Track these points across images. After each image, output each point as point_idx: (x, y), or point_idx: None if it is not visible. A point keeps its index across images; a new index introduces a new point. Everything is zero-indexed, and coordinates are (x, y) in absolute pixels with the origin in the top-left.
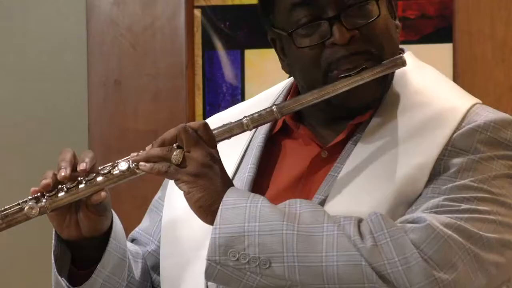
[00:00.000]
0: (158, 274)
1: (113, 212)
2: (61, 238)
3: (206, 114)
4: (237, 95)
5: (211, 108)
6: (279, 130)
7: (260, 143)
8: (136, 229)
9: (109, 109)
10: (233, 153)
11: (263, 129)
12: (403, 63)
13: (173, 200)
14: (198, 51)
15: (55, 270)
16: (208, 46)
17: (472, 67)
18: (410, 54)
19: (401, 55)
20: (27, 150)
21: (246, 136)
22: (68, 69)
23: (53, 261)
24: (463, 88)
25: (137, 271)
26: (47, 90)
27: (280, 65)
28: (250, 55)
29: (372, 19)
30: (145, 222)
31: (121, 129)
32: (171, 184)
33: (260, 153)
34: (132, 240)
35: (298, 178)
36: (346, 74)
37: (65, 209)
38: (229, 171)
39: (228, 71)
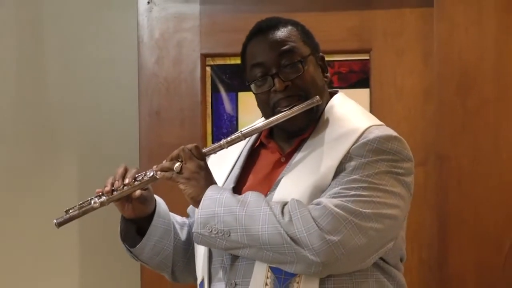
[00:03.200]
0: None
1: (158, 198)
2: (124, 218)
3: (213, 133)
4: (233, 121)
5: (217, 129)
6: (258, 144)
7: (246, 153)
8: (189, 207)
9: (152, 130)
10: (230, 159)
11: (249, 144)
12: (318, 101)
13: None
14: (208, 93)
15: (120, 238)
16: (215, 89)
17: (381, 104)
18: (341, 93)
19: (316, 96)
20: (101, 156)
21: (239, 149)
22: (126, 104)
23: (119, 232)
24: (376, 117)
25: (182, 235)
26: (114, 119)
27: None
28: (242, 96)
29: (298, 74)
30: None
31: (160, 143)
32: None
33: (244, 159)
34: (188, 215)
35: (266, 174)
36: (283, 110)
37: (123, 200)
38: (227, 170)
39: (227, 106)
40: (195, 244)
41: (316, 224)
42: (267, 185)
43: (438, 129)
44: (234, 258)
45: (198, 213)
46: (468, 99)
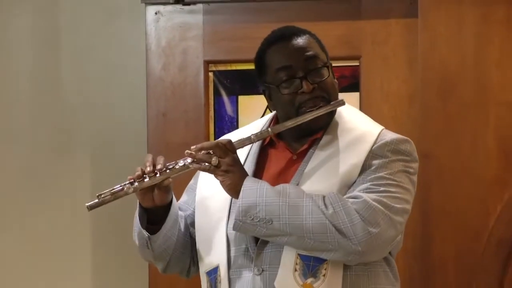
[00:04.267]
0: (194, 228)
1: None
2: (142, 207)
3: (216, 133)
4: (234, 122)
5: (219, 129)
6: (267, 143)
7: (256, 151)
8: (179, 201)
9: (159, 130)
10: (240, 155)
11: (257, 143)
12: (343, 103)
13: (203, 186)
14: (211, 96)
15: (139, 224)
16: (217, 93)
17: (370, 106)
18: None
19: (342, 99)
20: (112, 155)
21: (247, 148)
22: (136, 107)
23: (137, 220)
24: None
25: (181, 226)
26: (124, 121)
27: (255, 104)
28: (242, 99)
29: (324, 78)
30: (184, 197)
31: (167, 142)
32: (201, 176)
33: (256, 158)
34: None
35: (278, 172)
36: (310, 110)
37: (146, 190)
38: None
39: (228, 108)
40: (204, 233)
41: (359, 216)
42: (283, 181)
43: (422, 130)
44: (261, 245)
45: (239, 202)
46: (449, 103)
